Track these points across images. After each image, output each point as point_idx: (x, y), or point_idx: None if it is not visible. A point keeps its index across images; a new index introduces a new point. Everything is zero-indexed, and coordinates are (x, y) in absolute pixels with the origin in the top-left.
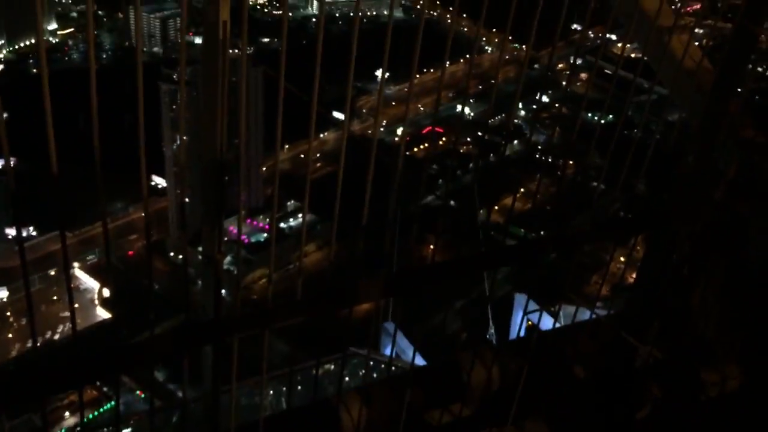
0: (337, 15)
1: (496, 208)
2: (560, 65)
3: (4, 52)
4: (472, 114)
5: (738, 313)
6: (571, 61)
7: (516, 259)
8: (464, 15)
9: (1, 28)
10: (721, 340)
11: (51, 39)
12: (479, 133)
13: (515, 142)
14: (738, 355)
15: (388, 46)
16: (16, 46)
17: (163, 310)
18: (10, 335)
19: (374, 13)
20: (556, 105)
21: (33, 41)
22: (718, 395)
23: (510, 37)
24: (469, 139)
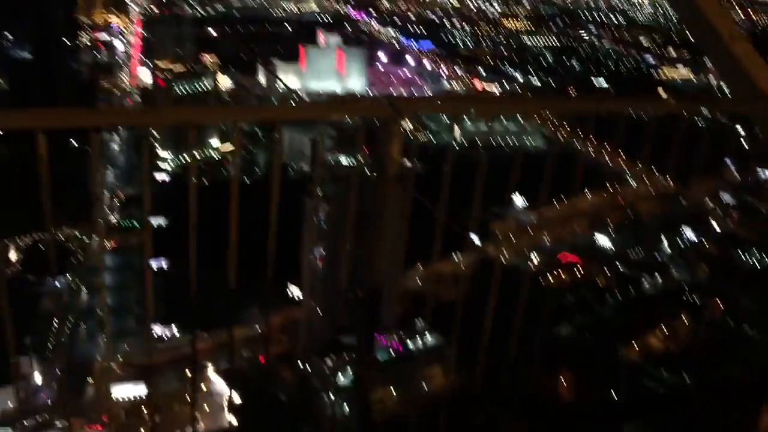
0: (479, 142)
1: (635, 346)
2: (707, 200)
3: (172, 165)
4: (611, 245)
5: None
6: (721, 198)
7: (663, 409)
8: (606, 145)
9: (170, 142)
10: None
11: (213, 154)
12: (618, 266)
13: (657, 278)
14: None
15: (517, 173)
16: (182, 160)
17: (289, 421)
18: None
19: (516, 142)
20: (703, 242)
21: (197, 155)
22: None
23: (654, 169)
24: (607, 271)
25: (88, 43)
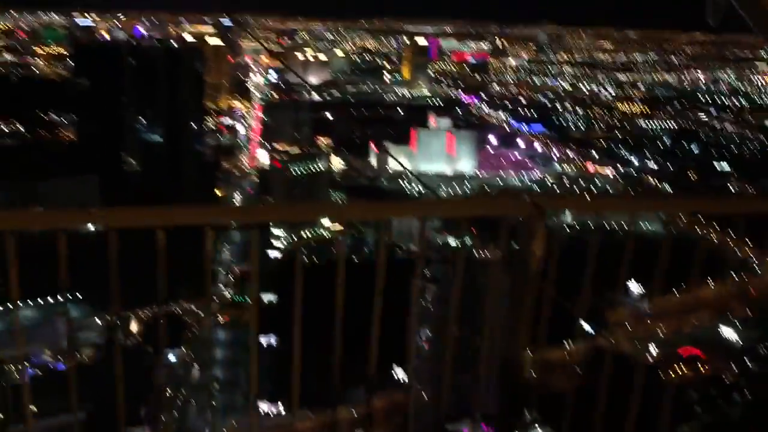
0: (591, 225)
1: None
2: None
3: (285, 243)
4: (738, 339)
5: None
6: None
7: None
8: (730, 231)
9: (283, 222)
10: None
11: (324, 233)
12: (746, 361)
13: None
14: None
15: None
16: (294, 238)
17: None
18: None
19: (630, 227)
20: None
21: (307, 234)
22: None
23: None
24: (734, 366)
25: (213, 127)
